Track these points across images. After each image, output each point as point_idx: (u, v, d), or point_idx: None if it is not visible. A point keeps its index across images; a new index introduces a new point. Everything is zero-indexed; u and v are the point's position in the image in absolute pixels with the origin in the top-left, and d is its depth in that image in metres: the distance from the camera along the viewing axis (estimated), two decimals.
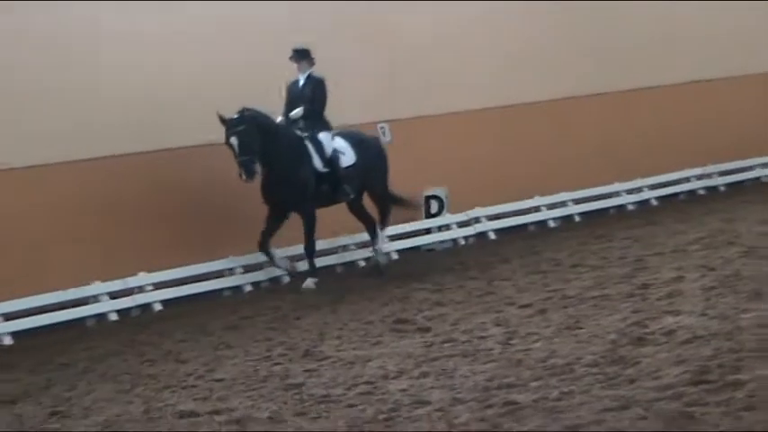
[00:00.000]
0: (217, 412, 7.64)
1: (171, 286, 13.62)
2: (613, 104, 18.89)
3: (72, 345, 11.72)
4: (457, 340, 9.19)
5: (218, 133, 13.35)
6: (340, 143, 14.05)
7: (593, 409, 6.01)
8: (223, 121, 12.72)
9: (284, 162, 13.41)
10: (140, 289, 13.32)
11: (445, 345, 9.09)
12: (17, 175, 13.39)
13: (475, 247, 16.23)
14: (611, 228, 16.17)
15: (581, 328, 8.90)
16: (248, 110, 13.05)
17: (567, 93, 18.29)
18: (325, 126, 13.78)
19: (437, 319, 10.55)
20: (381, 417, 6.71)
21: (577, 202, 17.81)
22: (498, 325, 9.66)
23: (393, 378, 7.97)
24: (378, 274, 14.04)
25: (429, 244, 16.08)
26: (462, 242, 16.54)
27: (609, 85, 18.81)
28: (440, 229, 16.22)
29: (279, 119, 13.61)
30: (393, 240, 15.77)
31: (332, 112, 14.09)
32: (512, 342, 8.73)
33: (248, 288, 14.07)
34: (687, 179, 19.21)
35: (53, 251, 13.44)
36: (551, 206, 17.55)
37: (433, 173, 16.23)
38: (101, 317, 13.04)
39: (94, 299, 12.95)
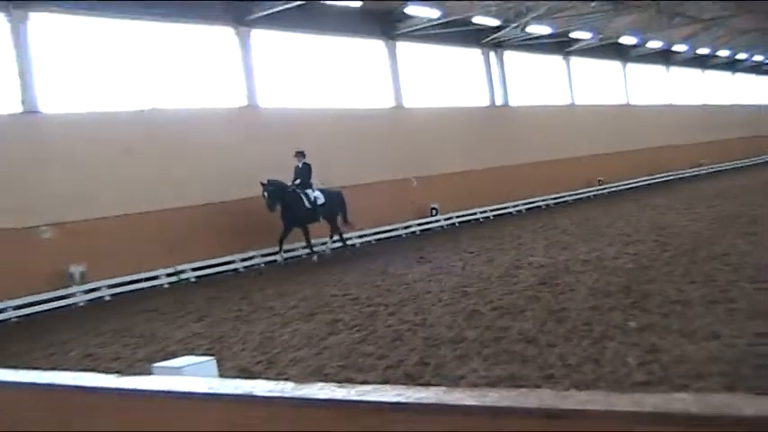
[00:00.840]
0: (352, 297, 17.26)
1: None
2: None
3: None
4: (446, 266, 19.58)
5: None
6: (318, 194, 25.91)
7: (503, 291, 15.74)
8: (262, 184, 24.29)
9: (289, 203, 24.99)
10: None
11: (443, 268, 19.34)
12: None
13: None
14: None
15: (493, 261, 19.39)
16: (271, 180, 24.49)
17: None
18: (310, 186, 25.85)
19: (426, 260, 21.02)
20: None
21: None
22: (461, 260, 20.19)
23: (417, 280, 17.86)
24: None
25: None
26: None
27: None
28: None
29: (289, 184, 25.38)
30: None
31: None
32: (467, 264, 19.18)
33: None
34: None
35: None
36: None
37: None
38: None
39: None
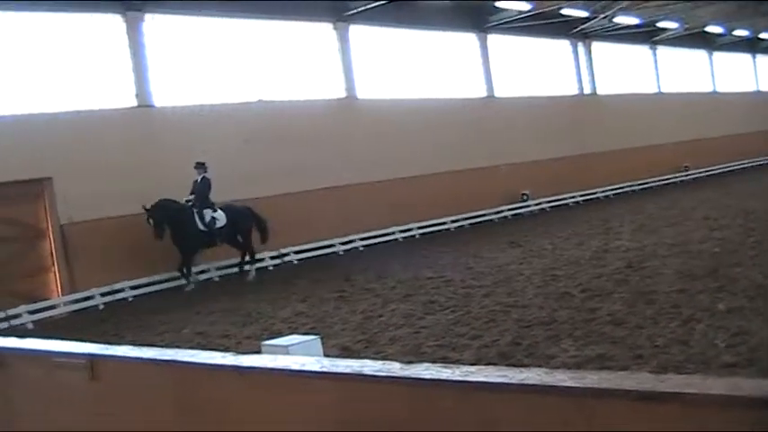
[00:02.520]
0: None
1: None
2: None
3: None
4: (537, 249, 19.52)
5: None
6: (218, 214, 20.96)
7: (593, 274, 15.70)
8: (145, 209, 19.43)
9: (178, 225, 20.18)
10: None
11: (534, 252, 19.27)
12: None
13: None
14: None
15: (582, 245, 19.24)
16: (157, 202, 19.73)
17: None
18: (210, 205, 20.81)
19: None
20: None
21: None
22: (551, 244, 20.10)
23: (509, 263, 17.83)
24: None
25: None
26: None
27: None
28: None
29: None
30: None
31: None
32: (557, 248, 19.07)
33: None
34: None
35: None
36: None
37: None
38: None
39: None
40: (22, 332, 15.37)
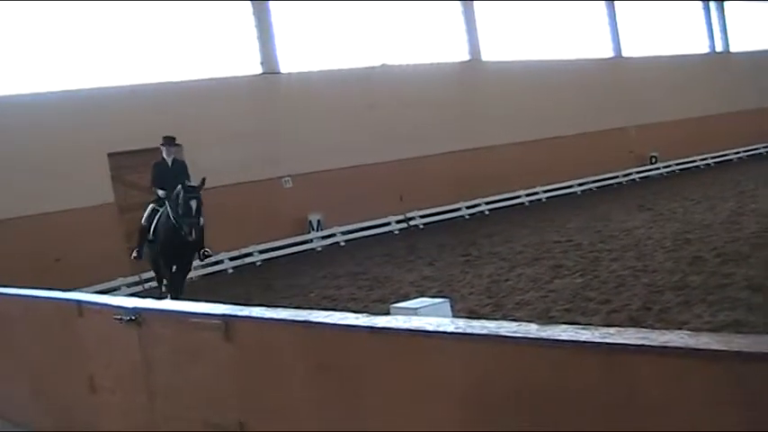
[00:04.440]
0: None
1: None
2: None
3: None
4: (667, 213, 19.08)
5: None
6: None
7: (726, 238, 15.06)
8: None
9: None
10: None
11: (664, 215, 18.83)
12: None
13: None
14: None
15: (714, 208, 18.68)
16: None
17: None
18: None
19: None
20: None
21: None
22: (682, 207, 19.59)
23: (638, 227, 17.49)
24: None
25: None
26: None
27: None
28: None
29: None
30: None
31: None
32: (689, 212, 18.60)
33: None
34: None
35: None
36: None
37: None
38: None
39: None
40: (156, 295, 15.89)
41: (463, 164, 25.27)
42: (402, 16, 25.83)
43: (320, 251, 21.78)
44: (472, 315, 10.79)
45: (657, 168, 32.32)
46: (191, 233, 13.19)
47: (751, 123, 35.68)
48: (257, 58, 22.53)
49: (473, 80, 27.02)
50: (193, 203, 13.25)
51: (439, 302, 7.80)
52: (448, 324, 3.35)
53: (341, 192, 22.31)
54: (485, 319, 10.12)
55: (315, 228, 22.32)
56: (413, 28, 26.15)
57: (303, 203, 21.95)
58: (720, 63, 37.13)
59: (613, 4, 32.55)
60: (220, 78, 21.51)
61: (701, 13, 37.20)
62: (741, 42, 38.51)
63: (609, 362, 2.51)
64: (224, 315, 4.82)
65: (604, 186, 29.54)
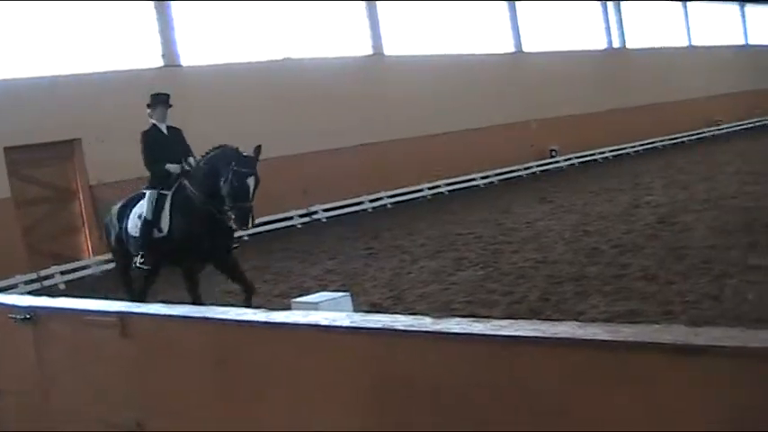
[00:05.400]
0: None
1: None
2: None
3: None
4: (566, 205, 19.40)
5: None
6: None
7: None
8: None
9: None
10: None
11: (563, 207, 19.13)
12: None
13: None
14: None
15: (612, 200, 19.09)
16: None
17: None
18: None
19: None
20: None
21: None
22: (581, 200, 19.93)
23: (539, 219, 17.75)
24: None
25: None
26: None
27: None
28: None
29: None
30: None
31: None
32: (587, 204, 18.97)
33: None
34: None
35: None
36: None
37: None
38: None
39: None
40: (54, 292, 15.50)
41: (367, 157, 25.29)
42: (306, 10, 25.68)
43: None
44: (374, 308, 10.81)
45: (557, 162, 32.89)
46: (246, 223, 9.92)
47: (647, 118, 36.62)
48: (158, 50, 22.16)
49: (376, 74, 27.07)
50: (251, 182, 10.01)
51: (340, 296, 7.82)
52: (344, 318, 3.35)
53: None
54: (386, 312, 10.19)
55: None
56: (316, 22, 26.03)
57: None
58: (617, 59, 37.99)
59: (515, 1, 32.99)
60: (120, 71, 21.05)
61: (599, 10, 37.99)
62: (637, 39, 39.46)
63: (502, 354, 2.54)
64: (120, 312, 4.74)
65: (506, 179, 29.92)
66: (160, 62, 22.12)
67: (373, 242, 17.92)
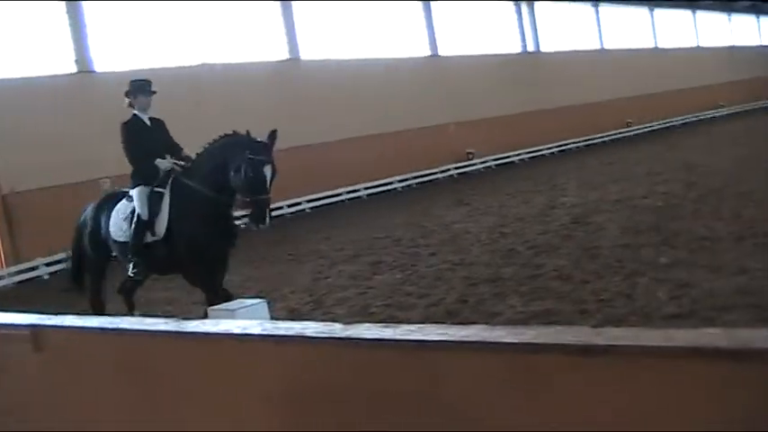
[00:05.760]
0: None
1: None
2: None
3: None
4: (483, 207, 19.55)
5: None
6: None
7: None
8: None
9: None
10: None
11: (480, 210, 19.30)
12: None
13: None
14: None
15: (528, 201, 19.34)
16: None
17: None
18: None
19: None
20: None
21: None
22: (498, 201, 20.10)
23: (457, 222, 17.89)
24: None
25: None
26: None
27: None
28: None
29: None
30: None
31: None
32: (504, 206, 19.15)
33: None
34: None
35: None
36: None
37: None
38: None
39: None
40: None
41: (285, 162, 25.01)
42: (222, 14, 25.50)
43: None
44: (292, 314, 10.78)
45: (474, 164, 33.21)
46: (264, 219, 8.81)
47: (561, 120, 37.25)
48: (71, 56, 21.75)
49: (293, 79, 27.01)
50: (268, 171, 8.92)
51: (256, 303, 7.75)
52: (256, 326, 3.33)
53: None
54: (305, 317, 10.16)
55: None
56: (233, 27, 25.88)
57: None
58: (532, 62, 38.53)
59: (430, 4, 33.22)
60: (32, 78, 20.64)
61: (514, 13, 38.49)
62: (551, 42, 40.08)
63: (411, 358, 2.55)
64: (32, 325, 4.63)
65: (424, 183, 30.14)
66: (73, 68, 21.70)
67: (292, 247, 17.86)
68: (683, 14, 52.31)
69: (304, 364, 3.00)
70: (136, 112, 9.82)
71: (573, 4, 41.84)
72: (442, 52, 33.63)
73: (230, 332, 3.34)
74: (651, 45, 48.49)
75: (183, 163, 9.66)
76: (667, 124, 45.16)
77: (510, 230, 15.51)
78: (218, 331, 3.42)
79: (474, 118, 32.98)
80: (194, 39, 24.73)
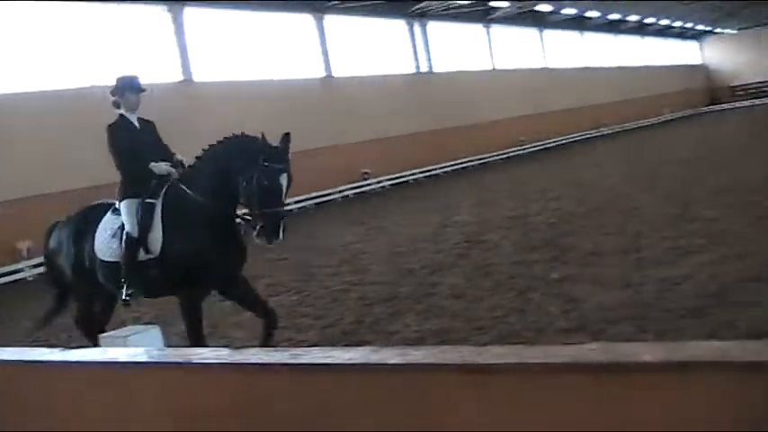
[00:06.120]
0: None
1: None
2: None
3: None
4: (379, 227, 19.56)
5: None
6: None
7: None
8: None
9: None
10: None
11: (376, 229, 19.34)
12: None
13: None
14: None
15: (423, 221, 19.45)
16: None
17: None
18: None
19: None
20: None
21: None
22: (393, 221, 20.18)
23: (353, 242, 17.90)
24: None
25: None
26: None
27: None
28: None
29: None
30: None
31: None
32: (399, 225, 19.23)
33: None
34: None
35: None
36: None
37: None
38: None
39: None
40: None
41: None
42: (111, 36, 25.12)
43: (31, 280, 20.66)
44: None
45: (370, 184, 33.35)
46: (278, 234, 7.78)
47: (455, 139, 37.76)
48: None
49: (185, 100, 26.70)
50: (284, 181, 7.96)
51: (149, 329, 7.61)
52: (142, 354, 3.29)
53: (52, 217, 21.22)
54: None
55: (25, 256, 21.16)
56: (124, 49, 25.49)
57: (11, 231, 20.77)
58: (426, 82, 38.95)
59: (323, 25, 33.30)
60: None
61: (407, 35, 38.87)
62: (444, 63, 40.59)
63: (297, 382, 2.55)
64: None
65: (320, 203, 30.10)
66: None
67: None
68: (571, 35, 53.66)
69: (191, 391, 2.97)
70: (122, 112, 8.76)
71: (465, 24, 42.48)
72: (336, 73, 33.73)
73: (116, 360, 3.30)
74: (542, 65, 49.57)
75: (179, 169, 8.57)
76: (560, 142, 46.19)
77: (406, 250, 15.59)
78: (103, 360, 3.37)
79: (369, 138, 33.14)
80: (84, 61, 24.27)
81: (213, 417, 2.83)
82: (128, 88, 8.75)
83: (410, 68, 38.81)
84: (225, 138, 8.33)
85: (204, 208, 7.94)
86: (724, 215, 13.50)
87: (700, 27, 69.78)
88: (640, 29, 62.28)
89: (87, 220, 8.83)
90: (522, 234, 15.05)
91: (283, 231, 7.77)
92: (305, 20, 32.84)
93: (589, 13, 52.27)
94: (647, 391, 1.96)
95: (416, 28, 39.09)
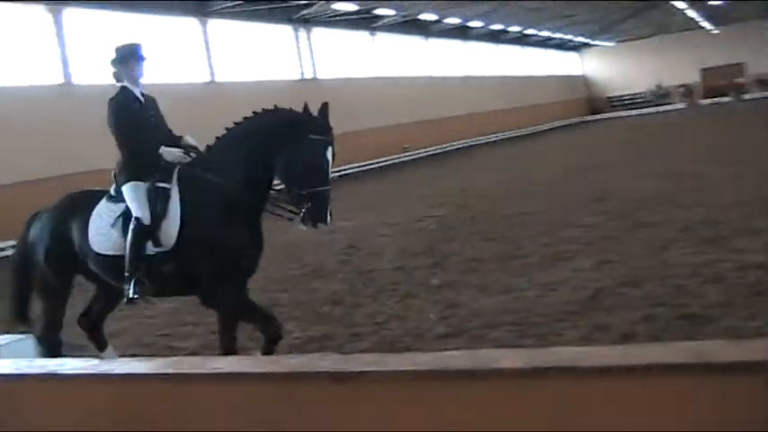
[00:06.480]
0: None
1: None
2: None
3: None
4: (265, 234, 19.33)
5: None
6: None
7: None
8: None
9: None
10: None
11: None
12: None
13: None
14: None
15: None
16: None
17: None
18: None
19: None
20: None
21: None
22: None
23: None
24: None
25: None
26: None
27: None
28: None
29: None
30: None
31: None
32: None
33: None
34: None
35: None
36: None
37: None
38: None
39: None
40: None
41: (58, 191, 24.17)
42: None
43: None
44: (66, 348, 10.34)
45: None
46: (326, 217, 7.14)
47: (340, 146, 37.50)
48: None
49: (65, 104, 26.02)
50: (330, 155, 7.39)
51: (23, 339, 7.39)
52: (9, 366, 3.19)
53: None
54: (77, 352, 9.72)
55: None
56: (7, 49, 24.75)
57: None
58: (310, 88, 38.91)
59: (206, 29, 32.96)
60: None
61: (293, 40, 38.78)
62: (329, 69, 40.63)
63: (163, 391, 2.52)
64: None
65: None
66: None
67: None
68: (455, 44, 54.40)
69: (59, 402, 2.91)
70: (126, 83, 7.57)
71: (350, 32, 42.63)
72: (219, 78, 33.40)
73: None
74: (426, 74, 50.09)
75: (192, 153, 7.58)
76: (444, 149, 46.75)
77: (287, 256, 15.53)
78: None
79: None
80: None
81: (78, 427, 2.77)
82: (131, 56, 7.62)
83: (295, 75, 38.71)
84: (256, 113, 7.55)
85: (232, 193, 7.06)
86: (602, 222, 13.90)
87: (579, 39, 71.63)
88: (521, 39, 63.57)
89: (73, 212, 7.67)
90: (405, 240, 15.17)
91: (330, 214, 7.06)
92: (189, 23, 32.42)
93: (472, 23, 53.10)
94: (505, 396, 2.01)
95: (302, 34, 39.05)
